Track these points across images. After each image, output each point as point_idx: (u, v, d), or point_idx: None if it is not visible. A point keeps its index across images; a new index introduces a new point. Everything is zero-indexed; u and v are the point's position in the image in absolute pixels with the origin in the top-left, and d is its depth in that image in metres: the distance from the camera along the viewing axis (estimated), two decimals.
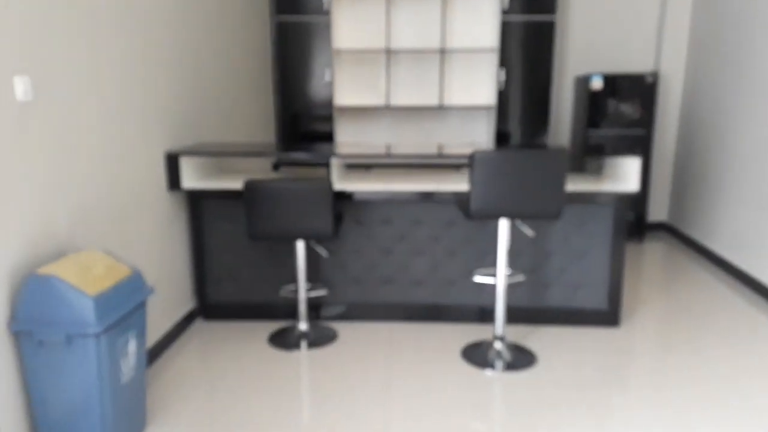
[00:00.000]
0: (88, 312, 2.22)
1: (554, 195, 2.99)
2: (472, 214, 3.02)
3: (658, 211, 5.96)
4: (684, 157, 5.62)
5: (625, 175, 3.59)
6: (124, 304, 2.40)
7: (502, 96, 5.49)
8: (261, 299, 3.83)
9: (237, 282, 3.81)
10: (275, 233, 3.24)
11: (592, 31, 5.72)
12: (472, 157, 2.94)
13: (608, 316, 3.75)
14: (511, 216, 3.04)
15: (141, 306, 2.56)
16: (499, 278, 3.29)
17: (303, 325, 3.60)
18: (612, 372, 3.19)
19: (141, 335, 2.56)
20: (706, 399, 2.92)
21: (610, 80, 5.32)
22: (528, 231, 3.31)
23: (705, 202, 5.19)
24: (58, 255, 2.48)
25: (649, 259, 5.17)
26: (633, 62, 5.76)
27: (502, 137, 5.61)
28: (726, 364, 3.27)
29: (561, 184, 2.98)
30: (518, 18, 5.32)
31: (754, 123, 4.40)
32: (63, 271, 2.25)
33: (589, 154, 3.50)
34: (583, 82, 5.53)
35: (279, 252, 3.77)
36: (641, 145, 5.41)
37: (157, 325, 3.33)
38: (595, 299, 3.74)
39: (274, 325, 3.77)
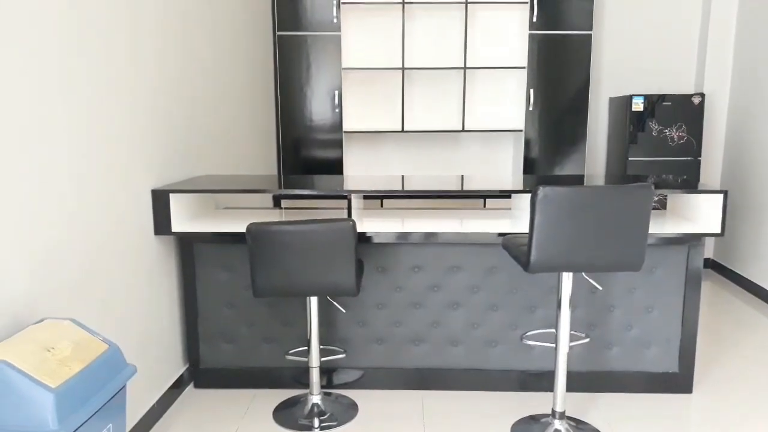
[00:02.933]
0: (46, 412, 1.61)
1: (637, 242, 2.39)
2: (533, 267, 2.42)
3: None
4: (730, 187, 5.05)
5: (696, 212, 3.00)
6: (98, 393, 1.79)
7: (530, 119, 4.92)
8: (264, 363, 3.19)
9: (235, 343, 3.17)
10: (285, 289, 2.61)
11: (626, 49, 5.18)
12: (534, 194, 2.34)
13: (680, 380, 3.13)
14: (584, 269, 2.43)
15: (120, 392, 1.95)
16: (561, 343, 2.67)
17: (315, 398, 2.96)
18: None
19: (119, 428, 1.95)
20: None
21: (652, 101, 4.77)
22: (596, 284, 2.72)
23: (759, 238, 4.61)
24: (13, 328, 1.86)
25: (703, 303, 4.56)
26: (672, 83, 5.22)
27: (528, 164, 5.03)
28: None
29: (645, 228, 2.38)
30: (549, 34, 4.78)
31: None
32: (14, 353, 1.65)
33: (656, 185, 2.91)
34: (619, 103, 4.98)
35: (286, 307, 3.14)
36: (688, 173, 4.85)
37: (140, 401, 2.69)
38: (664, 361, 3.12)
39: (279, 395, 3.13)
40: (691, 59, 5.19)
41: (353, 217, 3.06)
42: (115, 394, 1.90)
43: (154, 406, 2.81)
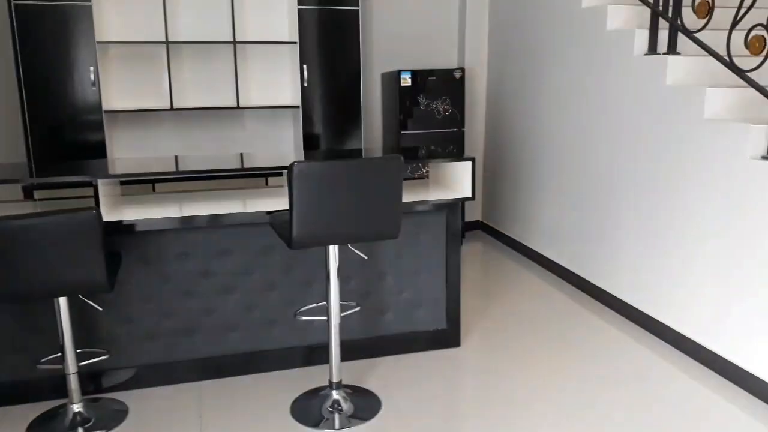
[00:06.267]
0: None
1: (393, 212, 2.48)
2: (295, 243, 2.40)
3: (473, 210, 5.84)
4: (492, 155, 5.54)
5: (454, 179, 3.22)
6: None
7: (307, 95, 4.92)
8: (13, 377, 2.81)
9: None
10: (23, 293, 2.30)
11: (394, 26, 5.39)
12: (290, 171, 2.31)
13: (449, 335, 3.37)
14: (344, 242, 2.47)
15: None
16: (333, 314, 2.71)
17: (77, 406, 2.69)
18: (464, 403, 2.79)
19: None
20: (564, 415, 2.64)
21: (419, 76, 5.02)
22: (361, 254, 2.79)
23: (518, 201, 5.13)
24: None
25: (472, 262, 4.97)
26: (438, 59, 5.54)
27: (310, 141, 5.04)
28: (577, 375, 3.06)
29: (399, 198, 2.48)
30: (317, 9, 4.78)
31: (551, 119, 4.35)
32: None
33: (407, 157, 3.06)
34: (390, 78, 5.18)
35: (34, 311, 2.79)
36: (455, 143, 5.20)
37: None
38: (434, 319, 3.33)
39: (35, 409, 2.79)
40: (453, 36, 5.54)
41: (107, 205, 2.80)
42: None
43: None
